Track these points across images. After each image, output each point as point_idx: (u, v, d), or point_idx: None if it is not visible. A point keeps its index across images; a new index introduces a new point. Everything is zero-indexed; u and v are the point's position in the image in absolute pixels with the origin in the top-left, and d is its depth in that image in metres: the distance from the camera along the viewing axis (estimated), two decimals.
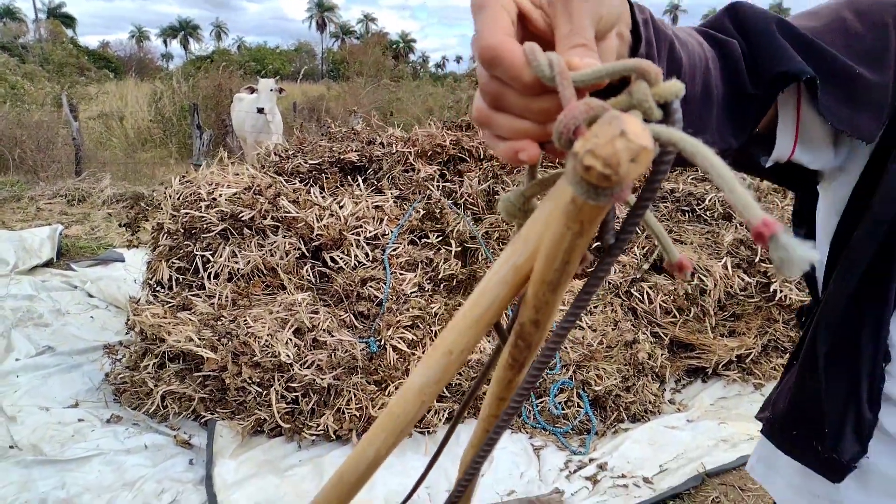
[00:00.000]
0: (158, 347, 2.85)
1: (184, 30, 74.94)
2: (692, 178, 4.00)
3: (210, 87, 13.97)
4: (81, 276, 4.78)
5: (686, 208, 3.80)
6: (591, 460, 2.57)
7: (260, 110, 8.62)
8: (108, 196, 7.60)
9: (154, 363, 2.86)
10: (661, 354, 3.12)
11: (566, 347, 3.00)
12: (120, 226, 4.65)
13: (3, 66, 11.78)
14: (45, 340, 3.64)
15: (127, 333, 3.21)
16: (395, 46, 52.78)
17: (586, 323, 3.11)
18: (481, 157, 3.93)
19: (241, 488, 2.37)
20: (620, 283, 3.38)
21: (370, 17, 78.83)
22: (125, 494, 2.37)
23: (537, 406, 2.85)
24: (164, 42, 76.39)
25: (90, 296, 4.43)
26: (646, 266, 3.40)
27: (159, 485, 2.42)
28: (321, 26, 74.98)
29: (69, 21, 60.80)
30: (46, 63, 16.44)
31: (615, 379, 2.87)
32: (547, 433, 2.77)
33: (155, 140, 13.74)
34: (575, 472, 2.50)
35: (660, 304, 3.25)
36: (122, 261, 5.18)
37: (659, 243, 0.46)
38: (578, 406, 2.83)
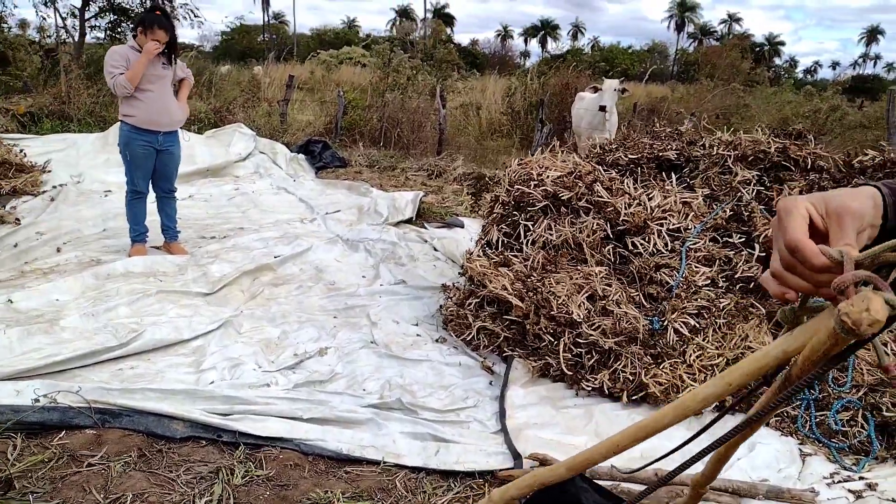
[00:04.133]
0: (480, 292, 3.55)
1: (544, 29, 79.67)
2: None
3: (558, 84, 14.93)
4: (431, 233, 5.89)
5: None
6: (860, 478, 2.51)
7: (602, 108, 9.05)
8: (459, 174, 8.93)
9: (475, 303, 3.57)
10: None
11: (860, 368, 2.90)
12: (467, 194, 5.59)
13: (401, 63, 14.31)
14: (400, 275, 4.69)
15: (460, 276, 4.00)
16: (757, 49, 48.85)
17: (892, 349, 2.94)
18: (808, 167, 3.85)
19: (524, 410, 2.91)
20: None
21: (735, 17, 74.05)
22: (441, 392, 3.09)
23: (816, 418, 2.83)
24: (525, 40, 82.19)
25: (435, 249, 5.46)
26: None
27: (465, 392, 3.10)
28: (679, 27, 72.86)
29: (450, 20, 69.35)
30: (429, 59, 19.34)
31: None
32: (819, 445, 2.75)
33: (503, 131, 15.26)
34: (838, 483, 2.49)
35: None
36: (462, 227, 6.20)
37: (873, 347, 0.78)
38: (862, 427, 2.74)
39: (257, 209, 6.44)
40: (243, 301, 4.05)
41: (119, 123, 4.52)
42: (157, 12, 4.44)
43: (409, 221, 6.38)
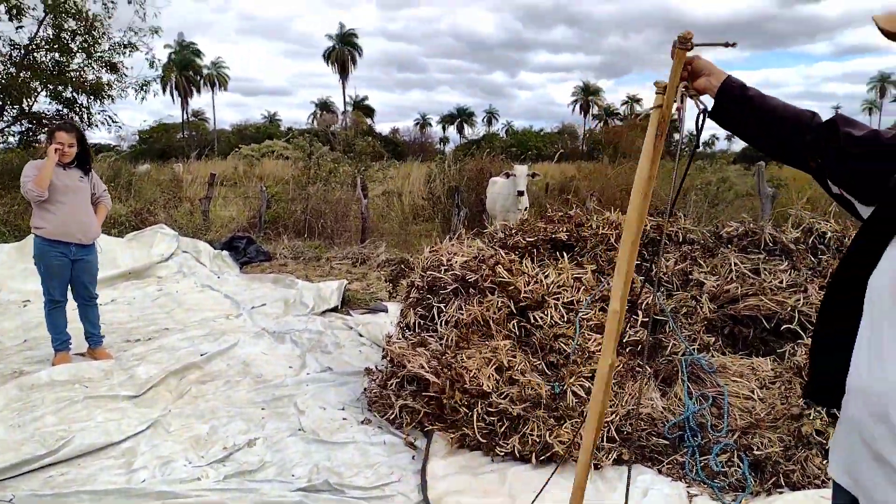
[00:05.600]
0: (401, 372, 3.82)
1: (460, 116, 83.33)
2: None
3: (474, 169, 15.76)
4: (356, 321, 6.14)
5: None
6: None
7: (521, 192, 9.75)
8: (382, 260, 9.28)
9: (396, 383, 3.84)
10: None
11: (734, 414, 3.32)
12: (385, 281, 5.92)
13: (322, 157, 14.84)
14: (327, 363, 4.90)
15: (382, 359, 4.26)
16: None
17: (758, 395, 3.38)
18: (681, 241, 4.39)
19: (444, 480, 3.15)
20: (804, 364, 3.57)
21: (635, 98, 79.77)
22: (367, 471, 3.30)
23: (700, 462, 3.20)
24: (443, 128, 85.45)
25: (360, 335, 5.71)
26: None
27: (390, 468, 3.31)
28: (584, 109, 77.83)
29: (369, 112, 71.58)
30: (349, 150, 20.02)
31: (776, 448, 3.10)
32: (704, 486, 3.11)
33: (424, 215, 15.85)
34: None
35: None
36: (386, 311, 6.48)
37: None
38: (738, 467, 3.12)
39: (182, 308, 6.53)
40: (171, 400, 4.15)
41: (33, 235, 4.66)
42: (63, 121, 4.75)
43: (334, 310, 6.62)
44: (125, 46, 11.66)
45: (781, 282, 3.98)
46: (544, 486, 2.82)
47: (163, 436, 3.61)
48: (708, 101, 1.57)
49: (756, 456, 3.11)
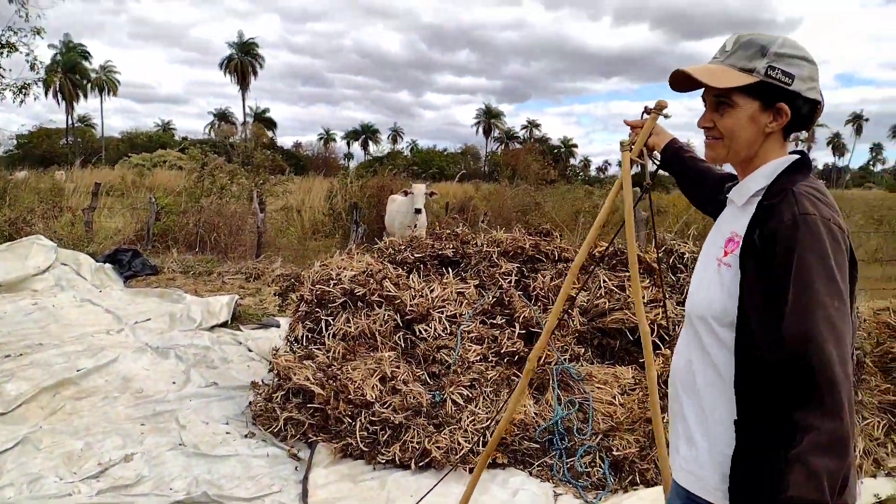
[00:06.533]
0: (287, 384, 3.87)
1: (365, 133, 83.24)
2: None
3: (375, 186, 15.86)
4: (246, 335, 6.08)
5: None
6: None
7: (417, 211, 9.95)
8: (277, 275, 9.17)
9: (282, 396, 3.88)
10: None
11: (597, 419, 3.61)
12: (274, 295, 5.92)
13: (217, 168, 14.47)
14: (212, 378, 4.85)
15: (269, 372, 4.28)
16: (556, 151, 54.86)
17: (619, 401, 3.70)
18: (556, 258, 4.71)
19: (325, 488, 3.24)
20: (661, 372, 3.93)
21: (534, 123, 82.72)
22: (248, 482, 3.32)
23: (567, 463, 3.46)
24: (348, 143, 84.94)
25: (249, 350, 5.66)
26: None
27: (272, 480, 3.35)
28: (487, 131, 79.92)
29: (271, 124, 70.01)
30: (248, 162, 19.61)
31: (633, 448, 3.41)
32: (570, 485, 3.36)
33: (325, 231, 15.77)
34: None
35: None
36: (278, 326, 6.45)
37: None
38: (600, 467, 3.40)
39: (58, 324, 6.21)
40: (43, 417, 3.98)
41: None
42: None
43: (224, 325, 6.51)
44: (3, 46, 10.96)
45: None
46: (428, 491, 2.98)
47: (32, 453, 3.47)
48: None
49: (615, 456, 3.40)
